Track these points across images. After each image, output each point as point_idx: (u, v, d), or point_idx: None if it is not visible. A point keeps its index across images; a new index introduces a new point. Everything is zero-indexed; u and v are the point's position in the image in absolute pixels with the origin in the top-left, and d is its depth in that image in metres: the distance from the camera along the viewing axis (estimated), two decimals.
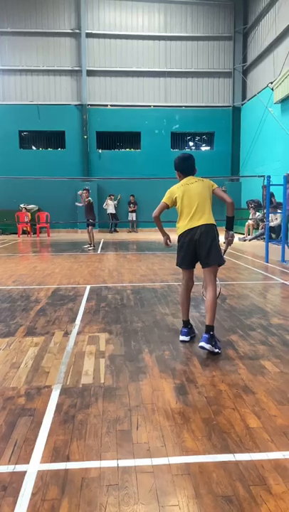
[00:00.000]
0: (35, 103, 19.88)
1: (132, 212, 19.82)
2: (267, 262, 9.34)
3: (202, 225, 3.86)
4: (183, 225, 3.95)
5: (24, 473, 2.12)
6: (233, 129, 20.66)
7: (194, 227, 3.87)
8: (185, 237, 3.94)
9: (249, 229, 15.61)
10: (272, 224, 12.70)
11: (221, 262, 3.96)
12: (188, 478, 2.07)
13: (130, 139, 20.88)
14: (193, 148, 21.55)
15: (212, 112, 20.58)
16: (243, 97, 20.37)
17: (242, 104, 20.40)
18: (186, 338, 4.09)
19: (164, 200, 4.08)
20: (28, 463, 2.20)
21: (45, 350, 3.87)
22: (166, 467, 2.15)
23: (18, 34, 19.40)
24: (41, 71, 19.84)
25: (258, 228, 15.31)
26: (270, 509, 1.85)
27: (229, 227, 4.15)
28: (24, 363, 3.56)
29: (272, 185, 9.55)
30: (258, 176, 11.83)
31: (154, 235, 17.01)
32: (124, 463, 2.19)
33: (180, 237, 4.01)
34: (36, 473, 2.11)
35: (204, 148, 21.55)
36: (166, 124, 20.57)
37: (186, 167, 4.13)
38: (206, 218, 3.89)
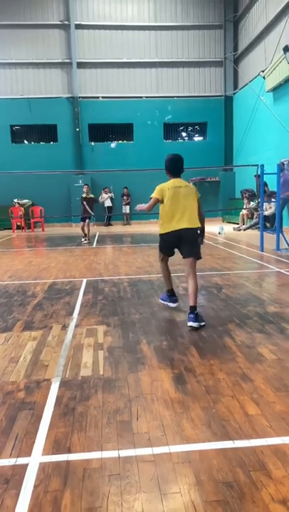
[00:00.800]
0: (26, 97, 19.68)
1: (125, 204, 19.78)
2: (262, 251, 9.37)
3: (187, 228, 4.35)
4: (169, 225, 4.40)
5: (26, 465, 2.13)
6: (225, 118, 20.58)
7: (180, 229, 4.36)
8: (170, 235, 4.44)
9: (244, 218, 15.62)
10: (266, 213, 12.72)
11: (200, 257, 4.55)
12: (188, 466, 2.09)
13: (123, 131, 20.75)
14: (186, 138, 21.47)
15: (204, 101, 20.48)
16: (235, 86, 20.27)
17: (234, 94, 20.31)
18: (176, 304, 4.86)
19: (156, 195, 4.43)
20: (29, 456, 2.21)
21: (44, 344, 3.88)
22: (166, 456, 2.18)
23: (6, 27, 19.14)
24: (31, 64, 19.61)
25: (252, 218, 15.33)
26: (271, 493, 1.88)
27: (202, 233, 4.62)
28: (23, 357, 3.57)
29: (265, 174, 9.55)
30: (252, 165, 11.81)
31: (148, 227, 17.02)
32: (125, 453, 2.21)
33: (164, 235, 4.51)
34: (38, 466, 2.13)
35: (197, 138, 21.48)
36: (159, 115, 20.46)
37: (176, 168, 4.56)
38: (192, 222, 4.37)
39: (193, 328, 4.13)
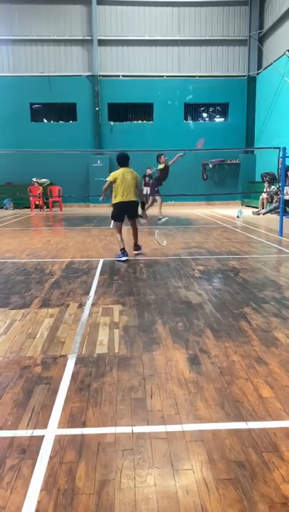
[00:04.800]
0: (46, 74, 19.54)
1: (146, 185, 19.61)
2: (281, 235, 9.24)
3: (131, 200, 6.86)
4: (120, 198, 6.76)
5: (42, 437, 2.19)
6: (248, 99, 20.13)
7: (128, 201, 6.80)
8: (122, 204, 6.81)
9: (263, 202, 15.40)
10: (287, 197, 12.50)
11: (137, 216, 7.17)
12: (201, 445, 2.11)
13: (142, 111, 20.50)
14: (207, 119, 21.09)
15: (227, 81, 20.03)
16: (259, 66, 19.74)
17: (257, 74, 19.79)
18: (127, 258, 6.74)
19: (110, 179, 6.83)
20: (45, 428, 2.27)
21: (61, 321, 3.93)
22: (179, 434, 2.20)
23: (27, 2, 18.90)
24: (52, 41, 19.40)
25: (272, 202, 15.10)
26: (282, 474, 1.89)
27: (142, 206, 7.30)
28: (40, 333, 3.63)
29: (288, 157, 9.34)
30: (273, 148, 11.55)
31: (166, 209, 16.89)
32: (139, 429, 2.24)
33: (117, 204, 6.81)
34: (54, 438, 2.18)
35: (218, 119, 21.09)
36: (180, 95, 20.11)
37: (122, 162, 6.96)
38: (133, 196, 6.86)
39: (137, 254, 7.10)
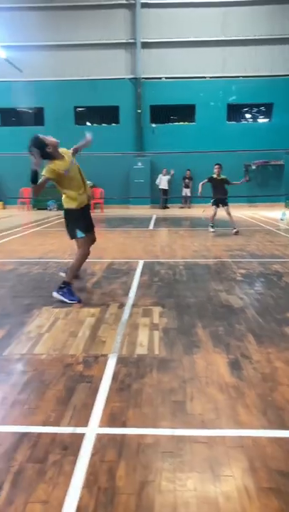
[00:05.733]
0: (90, 78, 19.86)
1: (186, 187, 19.53)
2: None
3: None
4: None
5: (83, 435, 2.23)
6: None
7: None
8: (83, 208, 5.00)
9: None
10: None
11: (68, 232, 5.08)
12: (242, 451, 2.08)
13: (184, 112, 20.41)
14: (251, 120, 20.72)
15: (271, 81, 19.58)
16: None
17: None
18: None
19: None
20: (86, 426, 2.30)
21: (102, 321, 3.98)
22: (220, 439, 2.18)
23: (73, 8, 19.29)
24: (96, 45, 19.67)
25: None
26: None
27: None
28: (82, 332, 3.69)
29: None
30: None
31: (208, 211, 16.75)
32: (179, 432, 2.24)
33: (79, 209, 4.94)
34: (95, 436, 2.21)
35: (262, 120, 20.66)
36: (222, 96, 19.87)
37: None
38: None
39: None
